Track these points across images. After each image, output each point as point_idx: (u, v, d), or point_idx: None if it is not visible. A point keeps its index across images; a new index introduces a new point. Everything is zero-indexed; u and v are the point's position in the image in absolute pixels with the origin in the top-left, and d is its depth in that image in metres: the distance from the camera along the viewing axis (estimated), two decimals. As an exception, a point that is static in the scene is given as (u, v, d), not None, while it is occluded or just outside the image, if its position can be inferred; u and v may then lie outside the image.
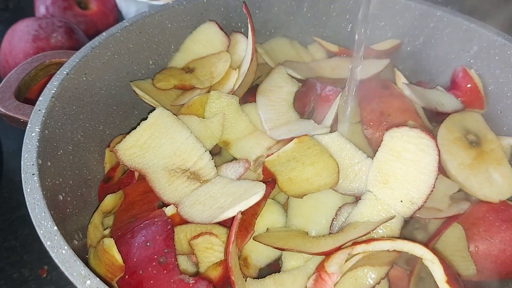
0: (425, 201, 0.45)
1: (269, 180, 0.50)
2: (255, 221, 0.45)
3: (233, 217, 0.44)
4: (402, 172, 0.46)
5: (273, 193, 0.52)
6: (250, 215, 0.45)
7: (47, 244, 0.37)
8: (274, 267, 0.49)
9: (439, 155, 0.45)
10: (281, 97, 0.58)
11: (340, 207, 0.49)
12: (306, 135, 0.48)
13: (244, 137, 0.55)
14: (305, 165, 0.48)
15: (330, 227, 0.48)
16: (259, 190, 0.44)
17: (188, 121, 0.53)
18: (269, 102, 0.57)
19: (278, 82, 0.59)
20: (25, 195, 0.40)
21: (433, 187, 0.45)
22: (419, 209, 0.45)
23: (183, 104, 0.56)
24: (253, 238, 0.47)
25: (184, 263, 0.48)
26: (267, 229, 0.49)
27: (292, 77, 0.60)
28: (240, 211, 0.43)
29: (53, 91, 0.49)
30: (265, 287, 0.44)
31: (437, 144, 0.46)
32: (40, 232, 0.38)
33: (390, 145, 0.47)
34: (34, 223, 0.38)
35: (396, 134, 0.47)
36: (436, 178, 0.45)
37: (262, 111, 0.55)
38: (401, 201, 0.45)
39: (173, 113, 0.52)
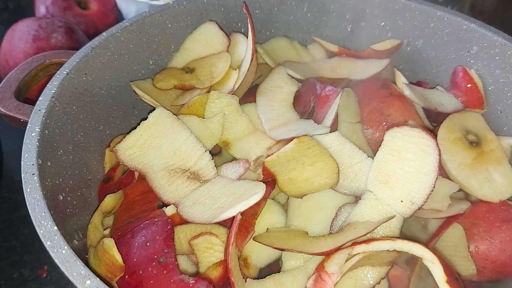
0: (425, 201, 0.45)
1: (269, 180, 0.50)
2: (255, 221, 0.45)
3: (233, 218, 0.43)
4: (403, 172, 0.46)
5: (273, 193, 0.52)
6: (250, 215, 0.45)
7: (47, 244, 0.37)
8: (274, 267, 0.49)
9: (439, 155, 0.45)
10: (281, 97, 0.58)
11: (340, 207, 0.49)
12: (306, 135, 0.48)
13: (244, 137, 0.55)
14: (305, 165, 0.48)
15: (330, 227, 0.48)
16: (259, 190, 0.44)
17: (188, 121, 0.53)
18: (269, 102, 0.57)
19: (278, 82, 0.59)
20: (25, 195, 0.40)
21: (433, 187, 0.45)
22: (419, 209, 0.45)
23: (183, 104, 0.56)
24: (253, 239, 0.47)
25: (184, 263, 0.48)
26: (267, 229, 0.49)
27: (292, 77, 0.60)
28: (240, 211, 0.43)
29: (53, 91, 0.49)
30: (265, 287, 0.44)
31: (437, 144, 0.46)
32: (40, 232, 0.38)
33: (391, 145, 0.47)
34: (34, 223, 0.38)
35: (397, 134, 0.47)
36: (437, 178, 0.45)
37: (262, 111, 0.55)
38: (401, 201, 0.45)
39: (173, 113, 0.52)
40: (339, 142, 0.50)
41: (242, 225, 0.46)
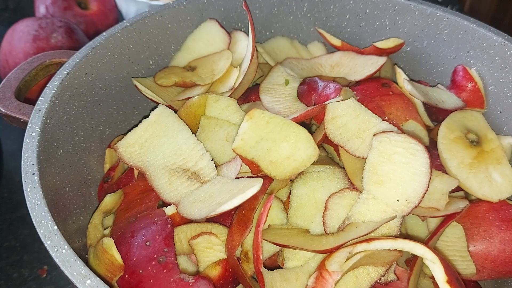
0: (421, 200, 0.45)
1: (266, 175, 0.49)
2: (253, 216, 0.45)
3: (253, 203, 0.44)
4: (396, 173, 0.46)
5: (275, 191, 0.52)
6: (248, 209, 0.45)
7: (47, 243, 0.37)
8: (272, 263, 0.49)
9: (430, 157, 0.45)
10: (284, 93, 0.57)
11: (327, 200, 0.48)
12: (255, 109, 0.48)
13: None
14: (277, 142, 0.47)
15: (324, 222, 0.48)
16: (256, 184, 0.44)
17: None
18: (273, 98, 0.57)
19: (279, 80, 0.59)
20: (25, 194, 0.40)
21: (428, 186, 0.45)
22: (415, 207, 0.45)
23: (184, 99, 0.56)
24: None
25: (184, 263, 0.48)
26: (269, 225, 0.49)
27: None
28: (237, 205, 0.43)
29: (53, 91, 0.49)
30: (273, 279, 0.45)
31: (426, 148, 0.46)
32: (40, 231, 0.38)
33: (380, 148, 0.48)
34: (34, 222, 0.38)
35: (384, 138, 0.47)
36: (430, 178, 0.45)
37: (269, 107, 0.55)
38: (398, 200, 0.46)
39: (174, 109, 0.52)
40: (354, 108, 0.50)
41: (241, 220, 0.46)
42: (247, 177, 0.48)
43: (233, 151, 0.47)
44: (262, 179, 0.45)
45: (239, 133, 0.47)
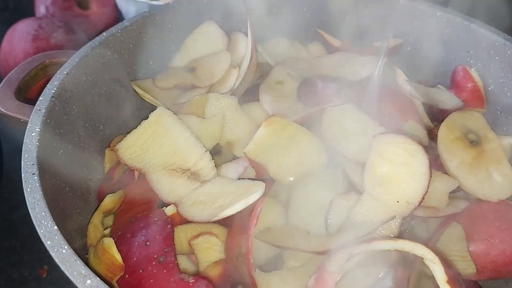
0: (421, 200, 0.45)
1: (268, 177, 0.49)
2: None
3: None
4: (396, 174, 0.46)
5: (275, 192, 0.52)
6: (249, 211, 0.45)
7: (47, 243, 0.37)
8: (273, 266, 0.49)
9: (429, 158, 0.45)
10: (285, 93, 0.57)
11: (331, 200, 0.48)
12: (273, 115, 0.47)
13: (246, 137, 0.54)
14: (288, 147, 0.47)
15: (326, 222, 0.48)
16: (259, 189, 0.44)
17: (188, 121, 0.53)
18: (274, 98, 0.57)
19: (279, 79, 0.59)
20: (25, 194, 0.40)
21: (427, 187, 0.45)
22: (415, 208, 0.45)
23: (184, 103, 0.56)
24: (254, 236, 0.47)
25: (184, 263, 0.48)
26: (269, 227, 0.49)
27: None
28: (239, 210, 0.43)
29: (53, 91, 0.49)
30: (272, 280, 0.44)
31: (426, 149, 0.46)
32: (40, 231, 0.38)
33: (380, 149, 0.48)
34: (34, 222, 0.38)
35: (383, 139, 0.47)
36: (430, 179, 0.45)
37: (270, 107, 0.55)
38: (398, 201, 0.46)
39: (173, 112, 0.52)
40: (353, 112, 0.50)
41: (241, 221, 0.46)
42: (248, 178, 0.48)
43: (244, 154, 0.47)
44: (264, 184, 0.45)
45: (254, 138, 0.47)
